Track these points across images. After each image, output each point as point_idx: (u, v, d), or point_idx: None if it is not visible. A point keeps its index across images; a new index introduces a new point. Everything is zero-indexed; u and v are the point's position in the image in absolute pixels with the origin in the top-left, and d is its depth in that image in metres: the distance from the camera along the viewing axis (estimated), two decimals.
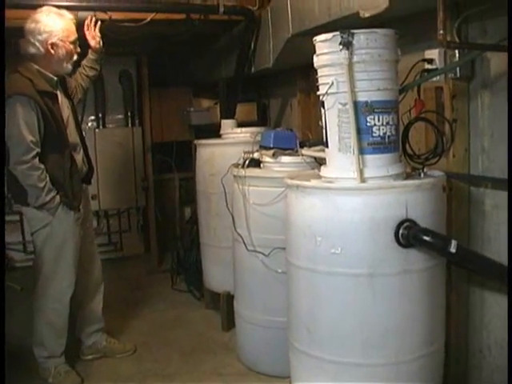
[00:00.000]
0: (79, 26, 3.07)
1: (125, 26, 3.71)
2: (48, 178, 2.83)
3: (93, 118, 5.41)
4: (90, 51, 3.25)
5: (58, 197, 2.88)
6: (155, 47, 4.99)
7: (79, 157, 3.04)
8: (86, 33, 3.16)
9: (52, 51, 2.86)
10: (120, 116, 5.52)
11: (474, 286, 2.51)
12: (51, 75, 2.92)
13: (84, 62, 3.26)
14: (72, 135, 2.99)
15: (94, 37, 3.17)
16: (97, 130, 5.30)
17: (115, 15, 3.55)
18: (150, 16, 3.61)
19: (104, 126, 5.41)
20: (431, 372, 2.24)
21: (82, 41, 3.09)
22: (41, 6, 3.04)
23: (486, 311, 2.46)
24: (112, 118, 5.50)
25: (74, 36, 2.94)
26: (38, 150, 2.80)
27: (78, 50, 2.98)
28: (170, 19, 3.78)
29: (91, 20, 3.18)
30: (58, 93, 2.98)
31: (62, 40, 2.88)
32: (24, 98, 2.75)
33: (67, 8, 3.16)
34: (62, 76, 3.03)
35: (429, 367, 2.22)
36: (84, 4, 3.38)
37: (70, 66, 2.96)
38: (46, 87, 2.86)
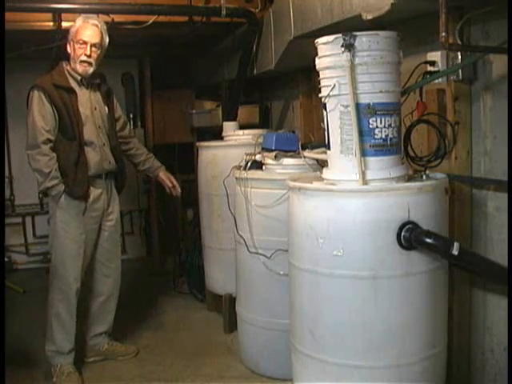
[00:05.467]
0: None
1: (127, 28, 3.72)
2: (56, 166, 2.97)
3: None
4: (161, 172, 3.65)
5: (61, 185, 2.98)
6: (157, 49, 5.00)
7: (94, 154, 3.09)
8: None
9: (69, 50, 3.06)
10: None
11: (477, 288, 2.51)
12: (76, 74, 3.08)
13: (144, 156, 3.59)
14: (89, 133, 3.08)
15: (174, 187, 3.65)
16: None
17: (117, 17, 3.57)
18: (152, 18, 3.63)
19: None
20: (433, 374, 2.24)
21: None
22: (41, 8, 3.20)
23: (489, 313, 2.46)
24: None
25: (81, 36, 2.99)
26: (50, 136, 2.98)
27: (87, 52, 2.99)
28: (172, 21, 3.78)
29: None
30: (86, 91, 3.12)
31: (72, 39, 3.03)
32: (40, 90, 2.98)
33: (70, 10, 3.17)
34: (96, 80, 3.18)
35: (431, 370, 2.21)
36: (87, 6, 3.39)
37: (77, 66, 3.02)
38: (64, 82, 3.03)
